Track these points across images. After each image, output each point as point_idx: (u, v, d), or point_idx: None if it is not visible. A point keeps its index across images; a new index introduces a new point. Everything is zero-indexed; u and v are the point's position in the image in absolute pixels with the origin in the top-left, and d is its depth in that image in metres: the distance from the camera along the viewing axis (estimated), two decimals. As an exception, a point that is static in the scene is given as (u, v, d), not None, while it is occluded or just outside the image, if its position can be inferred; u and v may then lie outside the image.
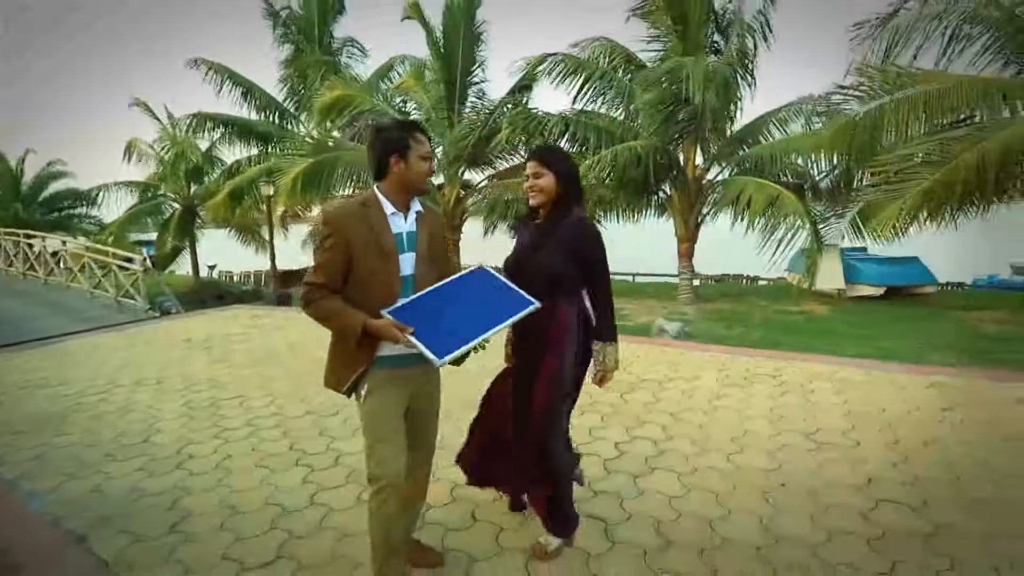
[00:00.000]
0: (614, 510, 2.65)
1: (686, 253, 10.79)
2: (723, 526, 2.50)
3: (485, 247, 10.95)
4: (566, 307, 2.15)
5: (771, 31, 10.21)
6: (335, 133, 13.26)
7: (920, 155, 7.77)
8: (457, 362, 1.81)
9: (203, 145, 15.94)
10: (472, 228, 12.86)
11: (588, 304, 2.22)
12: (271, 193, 10.37)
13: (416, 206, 2.01)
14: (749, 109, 13.94)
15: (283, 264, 14.47)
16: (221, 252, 20.15)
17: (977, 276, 14.23)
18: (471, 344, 1.79)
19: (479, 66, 11.96)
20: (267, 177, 11.47)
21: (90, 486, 3.07)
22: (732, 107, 10.04)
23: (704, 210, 10.62)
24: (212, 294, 13.48)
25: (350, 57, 16.22)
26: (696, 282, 11.27)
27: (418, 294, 1.89)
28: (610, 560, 2.28)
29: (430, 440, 2.16)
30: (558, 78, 10.43)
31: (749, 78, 10.28)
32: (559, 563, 2.26)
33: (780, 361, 5.23)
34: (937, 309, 9.37)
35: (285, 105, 15.60)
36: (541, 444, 2.18)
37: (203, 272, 17.91)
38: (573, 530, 2.34)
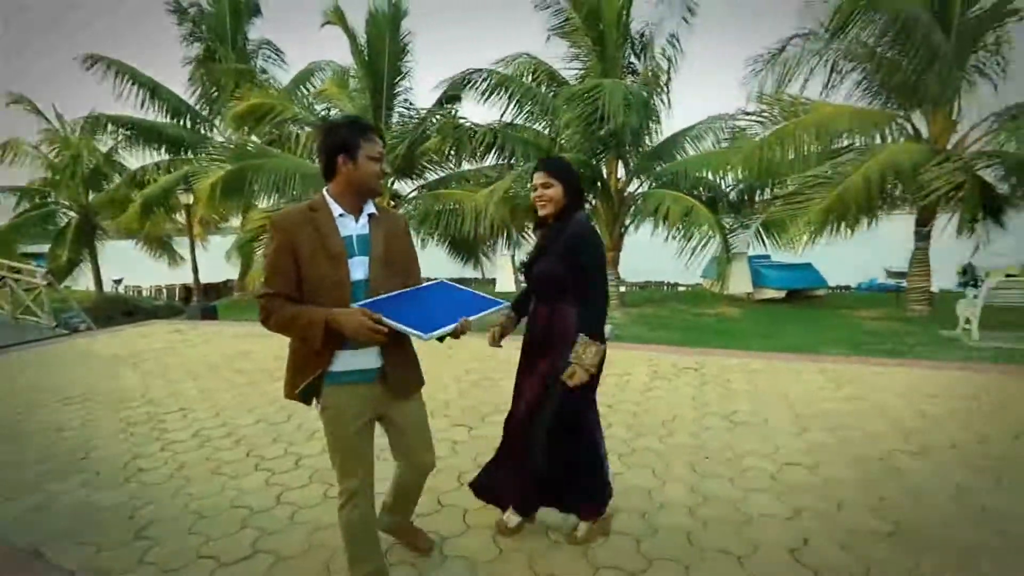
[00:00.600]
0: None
1: (611, 261, 11.45)
2: (660, 493, 2.88)
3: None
4: (572, 309, 2.23)
5: (683, 53, 11.12)
6: (253, 138, 12.85)
7: (817, 176, 8.82)
8: (441, 339, 1.76)
9: (102, 148, 14.77)
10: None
11: None
12: (190, 202, 9.89)
13: (370, 208, 1.92)
14: (667, 124, 15.01)
15: (205, 277, 13.76)
16: (128, 265, 18.75)
17: (861, 280, 15.95)
18: (453, 325, 1.77)
19: (404, 76, 12.01)
20: (184, 185, 10.90)
21: (31, 505, 2.97)
22: (649, 124, 10.83)
23: (627, 221, 11.34)
24: (119, 310, 12.57)
25: (266, 60, 15.69)
26: (622, 288, 11.98)
27: (380, 296, 1.81)
28: (566, 526, 2.57)
29: (423, 459, 2.09)
30: (483, 93, 10.79)
31: (664, 97, 11.16)
32: (530, 538, 2.52)
33: (700, 357, 5.81)
34: (828, 309, 10.54)
35: (197, 108, 14.83)
36: (580, 437, 2.31)
37: (107, 287, 16.55)
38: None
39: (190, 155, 14.16)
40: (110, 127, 14.03)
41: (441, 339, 1.75)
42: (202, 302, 10.03)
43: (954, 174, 7.87)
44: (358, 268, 1.84)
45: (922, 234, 9.48)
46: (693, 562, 2.31)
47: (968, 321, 7.25)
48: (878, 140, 9.39)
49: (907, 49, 8.36)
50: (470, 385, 4.88)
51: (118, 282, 19.63)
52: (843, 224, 9.32)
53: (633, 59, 11.27)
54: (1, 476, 3.35)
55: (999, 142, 8.59)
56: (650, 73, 10.66)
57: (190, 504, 2.90)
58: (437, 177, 12.63)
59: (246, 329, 8.29)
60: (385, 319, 1.69)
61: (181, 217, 11.76)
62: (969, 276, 12.69)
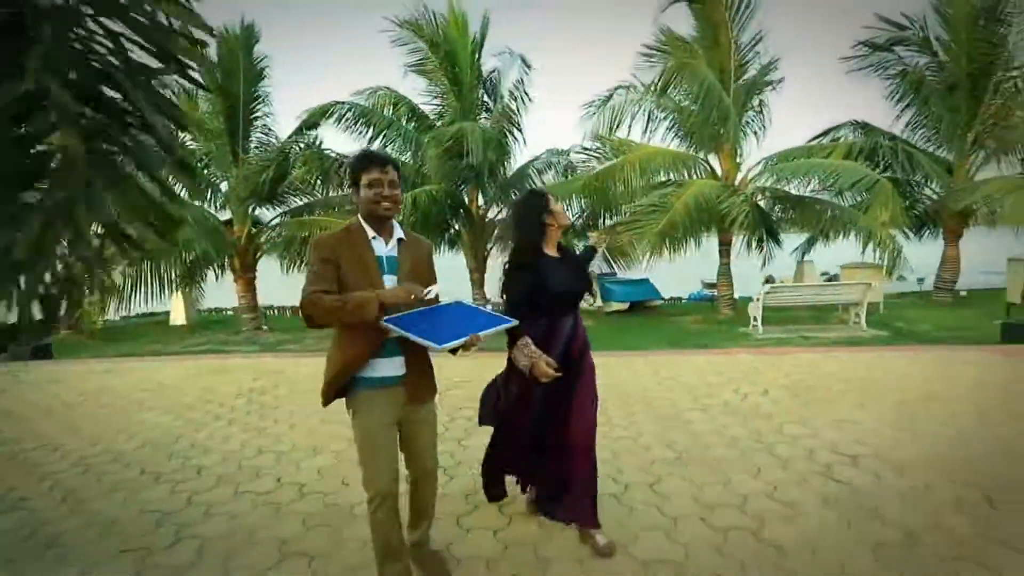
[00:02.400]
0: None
1: (478, 282, 12.35)
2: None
3: (283, 285, 10.98)
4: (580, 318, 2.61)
5: (530, 99, 12.54)
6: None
7: (651, 205, 10.54)
8: (454, 351, 1.94)
9: None
10: (268, 266, 12.62)
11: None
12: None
13: (398, 232, 2.15)
14: (523, 156, 16.46)
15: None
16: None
17: (691, 292, 18.68)
18: (465, 338, 1.95)
19: (262, 101, 11.93)
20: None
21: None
22: (504, 159, 12.03)
23: (488, 245, 12.35)
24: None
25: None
26: (488, 307, 12.87)
27: (403, 313, 1.99)
28: (517, 507, 3.23)
29: (425, 464, 2.26)
30: (345, 124, 11.20)
31: (516, 132, 12.45)
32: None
33: (553, 358, 6.83)
34: (661, 317, 12.42)
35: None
36: (589, 443, 2.53)
37: None
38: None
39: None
40: None
41: (454, 351, 1.94)
42: (32, 341, 9.00)
43: (741, 205, 9.99)
44: (388, 286, 2.04)
45: (724, 252, 11.70)
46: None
47: (755, 319, 9.22)
48: (687, 176, 11.50)
49: (705, 106, 10.47)
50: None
51: None
52: (675, 244, 11.22)
53: (487, 98, 12.45)
54: None
55: (767, 180, 11.06)
56: (500, 113, 11.89)
57: (94, 518, 3.08)
58: (302, 203, 12.64)
59: (104, 366, 7.75)
60: (407, 333, 1.89)
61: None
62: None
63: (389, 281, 2.06)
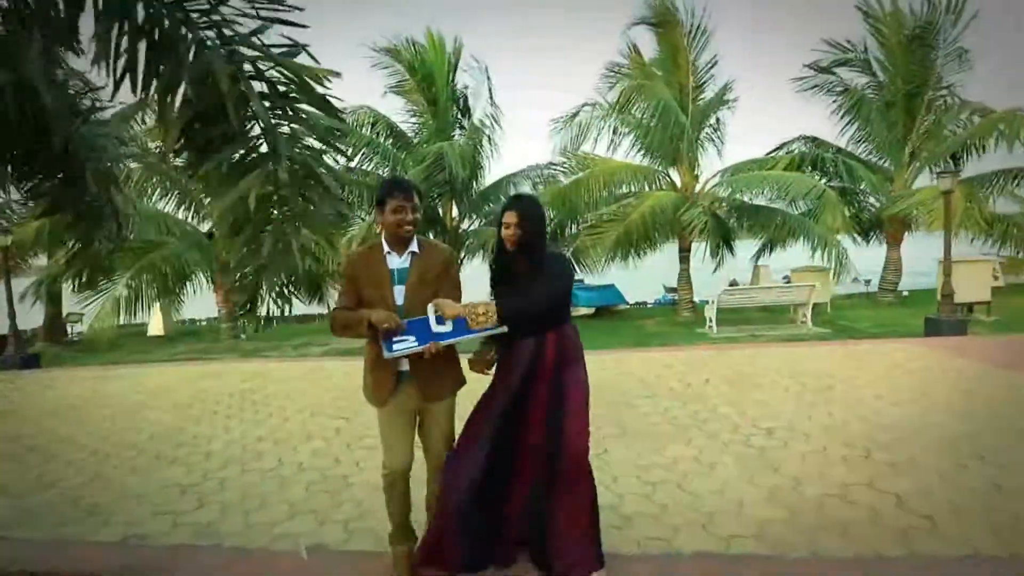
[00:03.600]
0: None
1: (452, 290, 12.92)
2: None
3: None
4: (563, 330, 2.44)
5: (502, 113, 13.22)
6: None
7: (609, 214, 11.31)
8: (417, 356, 2.17)
9: None
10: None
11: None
12: (7, 244, 9.19)
13: (413, 246, 2.34)
14: (498, 170, 17.18)
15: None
16: None
17: (657, 297, 19.51)
18: (417, 347, 2.14)
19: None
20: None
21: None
22: (478, 173, 12.67)
23: (462, 254, 12.94)
24: None
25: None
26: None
27: (413, 319, 2.21)
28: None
29: (440, 453, 2.42)
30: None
31: (491, 149, 13.11)
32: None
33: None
34: (625, 320, 13.14)
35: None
36: (582, 465, 2.34)
37: None
38: None
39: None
40: None
41: (417, 356, 2.18)
42: (22, 350, 9.26)
43: (699, 215, 10.79)
44: (399, 295, 2.30)
45: (684, 258, 12.50)
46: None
47: (711, 320, 9.99)
48: (648, 188, 12.30)
49: (662, 124, 11.28)
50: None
51: None
52: (632, 251, 11.99)
53: (460, 116, 13.10)
54: None
55: (724, 191, 11.93)
56: (475, 129, 12.54)
57: (124, 492, 3.56)
58: (282, 216, 13.06)
59: (92, 374, 8.09)
60: (382, 341, 2.17)
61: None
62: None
63: (398, 291, 2.30)
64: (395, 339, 2.15)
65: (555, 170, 12.47)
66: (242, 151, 2.21)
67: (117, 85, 1.91)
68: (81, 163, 2.56)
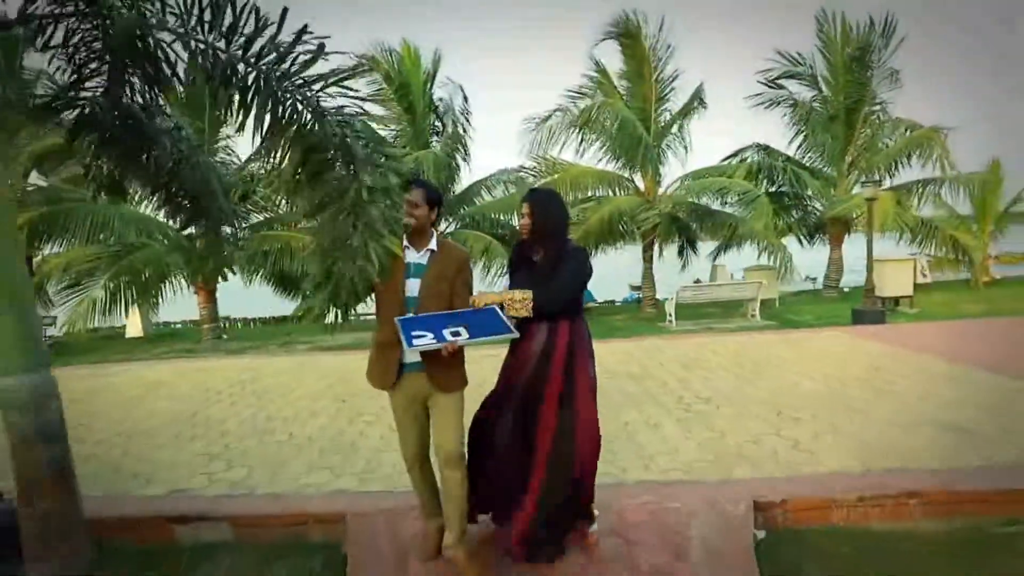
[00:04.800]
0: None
1: (429, 290, 13.54)
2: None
3: (245, 297, 11.74)
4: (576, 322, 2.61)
5: (471, 125, 13.88)
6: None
7: (570, 218, 12.09)
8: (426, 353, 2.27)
9: None
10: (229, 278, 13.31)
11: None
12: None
13: (432, 244, 2.43)
14: (470, 175, 17.82)
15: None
16: None
17: (626, 295, 20.47)
18: (439, 344, 2.19)
19: (223, 124, 12.71)
20: None
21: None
22: (455, 174, 13.34)
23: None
24: None
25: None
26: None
27: (430, 314, 2.33)
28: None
29: (445, 446, 2.44)
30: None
31: (464, 153, 13.77)
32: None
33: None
34: (595, 316, 13.94)
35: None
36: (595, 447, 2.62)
37: None
38: None
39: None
40: None
41: (426, 353, 2.27)
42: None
43: (654, 216, 11.70)
44: (413, 287, 2.39)
45: (646, 257, 13.40)
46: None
47: (670, 315, 10.88)
48: (613, 193, 13.19)
49: (622, 136, 12.12)
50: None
51: None
52: (593, 252, 12.81)
53: (437, 123, 13.74)
54: None
55: (683, 195, 12.89)
56: (451, 134, 13.20)
57: (158, 461, 4.13)
58: (263, 219, 13.46)
59: (82, 372, 8.46)
60: (400, 329, 2.23)
61: None
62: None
63: (412, 284, 2.41)
64: (414, 333, 2.21)
65: (526, 173, 13.24)
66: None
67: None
68: (211, 186, 3.34)
